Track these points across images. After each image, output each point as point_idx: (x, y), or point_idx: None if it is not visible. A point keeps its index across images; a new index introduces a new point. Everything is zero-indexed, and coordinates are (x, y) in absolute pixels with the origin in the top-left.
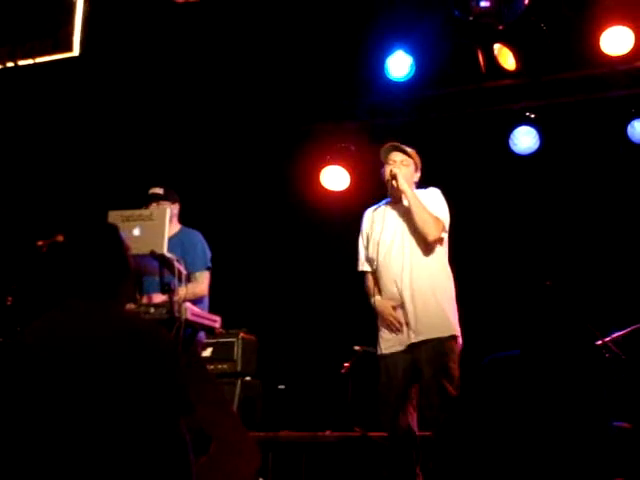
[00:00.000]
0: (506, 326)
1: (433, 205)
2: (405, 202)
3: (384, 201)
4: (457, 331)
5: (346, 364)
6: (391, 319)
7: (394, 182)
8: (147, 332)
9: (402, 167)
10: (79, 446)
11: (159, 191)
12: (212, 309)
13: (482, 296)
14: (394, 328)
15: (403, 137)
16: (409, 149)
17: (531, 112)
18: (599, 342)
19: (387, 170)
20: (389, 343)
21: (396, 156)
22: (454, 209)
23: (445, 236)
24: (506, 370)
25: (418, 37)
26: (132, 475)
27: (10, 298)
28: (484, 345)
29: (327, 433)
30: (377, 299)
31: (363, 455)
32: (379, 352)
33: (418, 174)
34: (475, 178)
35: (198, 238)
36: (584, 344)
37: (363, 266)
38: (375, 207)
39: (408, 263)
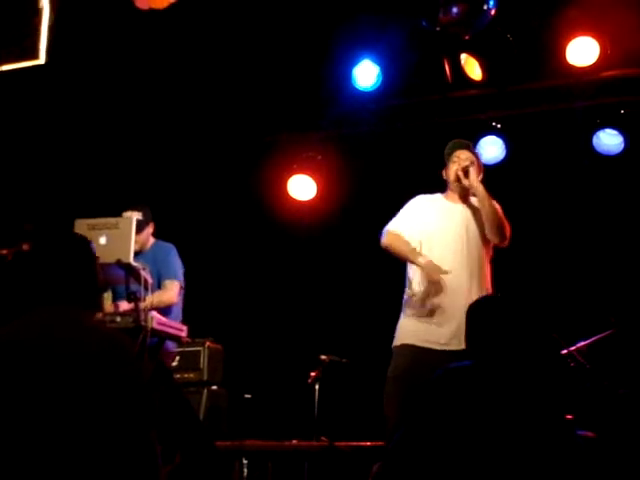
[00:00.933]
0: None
1: None
2: (472, 202)
3: (439, 194)
4: None
5: (312, 373)
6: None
7: (464, 178)
8: (112, 342)
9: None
10: (42, 458)
11: (138, 216)
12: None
13: None
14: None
15: (370, 147)
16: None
17: (497, 122)
18: (564, 351)
19: (452, 168)
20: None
21: (462, 154)
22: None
23: None
24: (461, 380)
25: (385, 47)
26: None
27: None
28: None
29: (293, 442)
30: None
31: (329, 465)
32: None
33: (481, 176)
34: (440, 188)
35: (171, 251)
36: (545, 354)
37: (399, 228)
38: (429, 197)
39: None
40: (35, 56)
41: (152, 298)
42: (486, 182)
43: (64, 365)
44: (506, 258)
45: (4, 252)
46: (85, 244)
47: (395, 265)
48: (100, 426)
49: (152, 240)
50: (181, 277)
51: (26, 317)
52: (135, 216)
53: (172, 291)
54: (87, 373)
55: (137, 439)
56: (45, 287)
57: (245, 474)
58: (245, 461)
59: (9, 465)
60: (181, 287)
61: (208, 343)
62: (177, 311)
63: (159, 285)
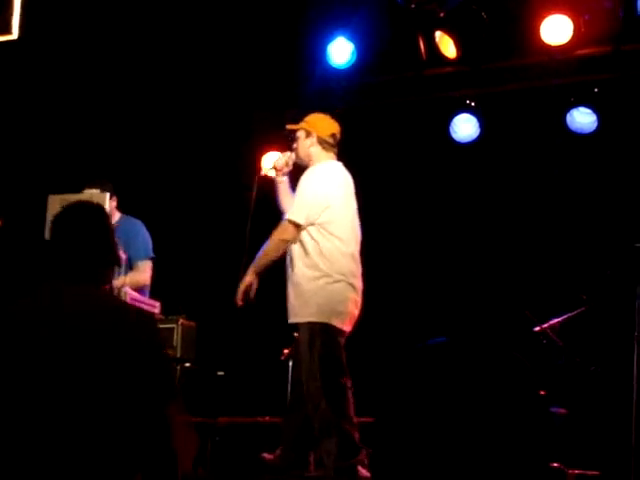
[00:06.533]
0: (434, 314)
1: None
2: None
3: None
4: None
5: (285, 350)
6: None
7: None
8: (133, 316)
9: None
10: (58, 429)
11: (97, 192)
12: (152, 295)
13: (415, 284)
14: None
15: (343, 124)
16: (293, 125)
17: (471, 100)
18: (537, 328)
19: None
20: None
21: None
22: (393, 197)
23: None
24: (438, 357)
25: (359, 24)
26: (113, 459)
27: None
28: (413, 334)
29: (266, 419)
30: None
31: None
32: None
33: (312, 137)
34: (415, 166)
35: (140, 227)
36: (517, 330)
37: None
38: None
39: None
40: (8, 31)
41: (126, 279)
42: (460, 160)
43: (78, 339)
44: (479, 235)
45: None
46: (102, 215)
47: None
48: (114, 399)
49: (118, 214)
50: (152, 253)
51: (43, 291)
52: (97, 192)
53: (146, 272)
54: (101, 347)
55: (152, 414)
56: (63, 262)
57: (218, 451)
58: (217, 438)
59: (22, 439)
60: (153, 262)
61: (182, 320)
62: (147, 288)
63: (130, 262)
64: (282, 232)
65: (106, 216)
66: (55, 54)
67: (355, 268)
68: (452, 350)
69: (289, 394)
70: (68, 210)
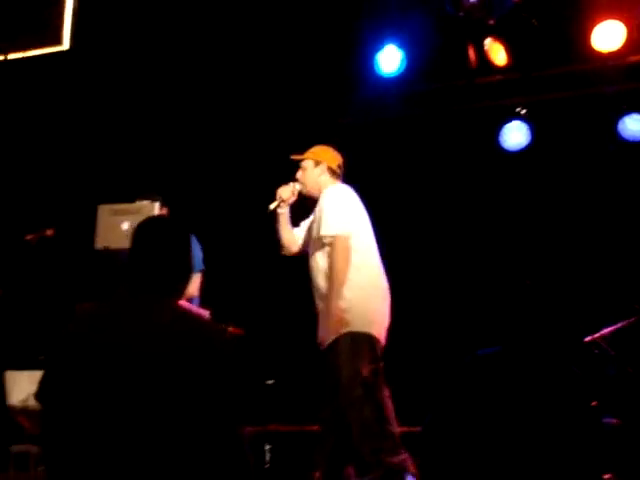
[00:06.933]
0: (487, 324)
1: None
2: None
3: None
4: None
5: None
6: None
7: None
8: (209, 332)
9: (303, 174)
10: (125, 442)
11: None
12: (201, 304)
13: (465, 294)
14: None
15: (392, 133)
16: (299, 156)
17: (522, 108)
18: (588, 338)
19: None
20: None
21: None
22: (443, 205)
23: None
24: (489, 367)
25: (409, 32)
26: (184, 472)
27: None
28: (465, 343)
29: (316, 428)
30: None
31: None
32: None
33: (321, 166)
34: (464, 174)
35: (191, 240)
36: (570, 340)
37: None
38: None
39: None
40: (58, 42)
41: None
42: (510, 169)
43: (156, 350)
44: (533, 245)
45: (29, 237)
46: (182, 229)
47: None
48: (187, 416)
49: None
50: (202, 265)
51: (114, 301)
52: (148, 203)
53: (195, 283)
54: (176, 359)
55: (226, 432)
56: (138, 273)
57: (268, 459)
58: (268, 446)
59: (92, 444)
60: (203, 274)
61: (230, 329)
62: (196, 300)
63: None
64: (339, 251)
65: (186, 230)
66: (105, 65)
67: (383, 279)
68: (503, 360)
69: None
70: (149, 223)
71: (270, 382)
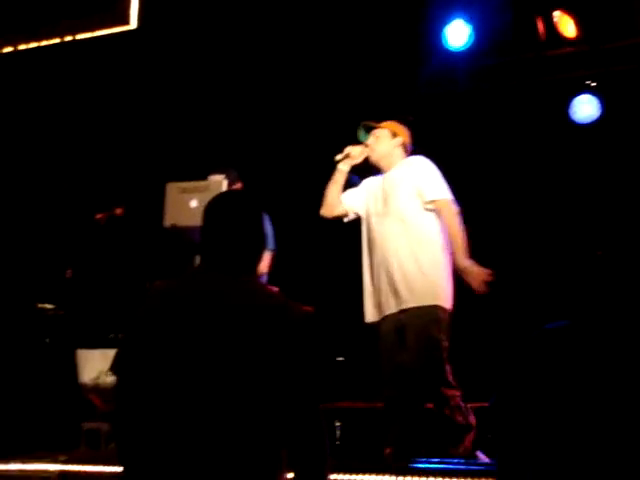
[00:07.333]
0: (557, 297)
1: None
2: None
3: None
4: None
5: None
6: None
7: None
8: (285, 308)
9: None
10: (196, 418)
11: (223, 179)
12: (270, 282)
13: (535, 266)
14: None
15: (461, 107)
16: (376, 123)
17: (592, 80)
18: None
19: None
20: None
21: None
22: (512, 178)
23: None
24: (558, 341)
25: (477, 6)
26: (259, 452)
27: (70, 271)
28: (534, 316)
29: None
30: None
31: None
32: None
33: (397, 139)
34: (534, 148)
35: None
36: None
37: None
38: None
39: None
40: (126, 21)
41: None
42: (580, 142)
43: (234, 326)
44: (604, 217)
45: (98, 217)
46: (256, 204)
47: None
48: (261, 391)
49: None
50: (272, 245)
51: (188, 277)
52: (220, 178)
53: (264, 261)
54: (251, 335)
55: (303, 413)
56: (210, 248)
57: (337, 436)
58: (338, 423)
59: (165, 420)
60: (273, 254)
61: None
62: (264, 278)
63: None
64: (453, 212)
65: (258, 204)
66: (173, 43)
67: None
68: (575, 334)
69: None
70: (221, 197)
71: (340, 359)
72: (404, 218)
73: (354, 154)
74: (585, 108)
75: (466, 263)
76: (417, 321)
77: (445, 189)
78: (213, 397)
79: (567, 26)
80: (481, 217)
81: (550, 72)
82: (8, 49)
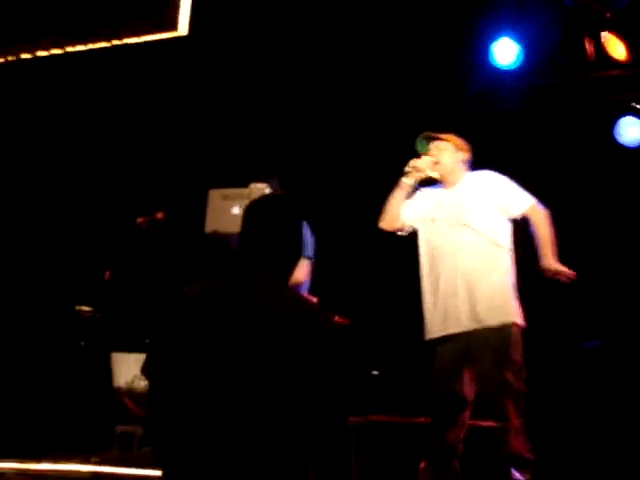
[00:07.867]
0: (595, 316)
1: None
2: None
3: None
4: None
5: None
6: None
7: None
8: (316, 316)
9: (439, 154)
10: (230, 415)
11: (265, 187)
12: (312, 292)
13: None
14: None
15: (507, 126)
16: (440, 134)
17: (638, 103)
18: None
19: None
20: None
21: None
22: (558, 200)
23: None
24: (598, 360)
25: (525, 25)
26: (283, 458)
27: (108, 273)
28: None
29: (421, 419)
30: None
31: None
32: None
33: (462, 154)
34: (579, 169)
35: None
36: None
37: None
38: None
39: None
40: (174, 27)
41: None
42: (626, 164)
43: (259, 328)
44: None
45: (139, 221)
46: (295, 208)
47: None
48: (290, 396)
49: None
50: (310, 253)
51: (221, 280)
52: (262, 187)
53: (303, 269)
54: (282, 340)
55: (328, 419)
56: (246, 251)
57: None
58: (370, 437)
59: (197, 422)
60: (312, 263)
61: (336, 318)
62: (305, 287)
63: None
64: (543, 213)
65: (297, 208)
66: (221, 50)
67: None
68: (609, 353)
69: (446, 410)
70: (261, 200)
71: (375, 372)
72: (484, 235)
73: (421, 166)
74: (631, 130)
75: (557, 264)
76: (505, 338)
77: (527, 195)
78: (243, 402)
79: (616, 47)
80: (526, 237)
81: (597, 93)
82: (56, 51)
